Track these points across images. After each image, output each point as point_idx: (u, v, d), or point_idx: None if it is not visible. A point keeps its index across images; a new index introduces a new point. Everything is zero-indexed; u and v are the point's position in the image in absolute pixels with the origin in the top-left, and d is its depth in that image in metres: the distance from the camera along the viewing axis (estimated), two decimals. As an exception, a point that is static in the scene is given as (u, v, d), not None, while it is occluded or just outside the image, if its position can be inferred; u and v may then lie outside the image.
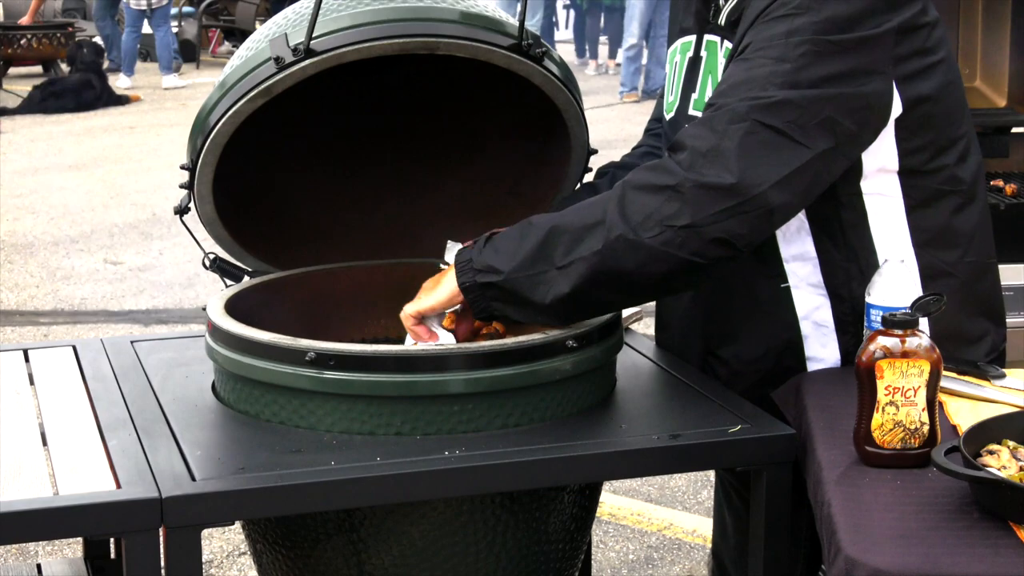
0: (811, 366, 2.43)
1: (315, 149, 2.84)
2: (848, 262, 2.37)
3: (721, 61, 2.41)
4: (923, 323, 2.34)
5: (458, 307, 2.34)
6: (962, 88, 2.44)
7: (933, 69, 2.33)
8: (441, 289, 2.31)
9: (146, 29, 16.24)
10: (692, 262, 2.20)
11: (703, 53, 2.46)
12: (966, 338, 2.43)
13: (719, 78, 2.39)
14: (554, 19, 17.78)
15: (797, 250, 2.39)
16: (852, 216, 2.36)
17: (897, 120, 2.31)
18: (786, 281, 2.40)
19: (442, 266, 2.50)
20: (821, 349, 2.41)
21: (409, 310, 2.34)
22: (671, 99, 2.56)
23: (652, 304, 2.67)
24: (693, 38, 2.50)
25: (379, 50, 2.40)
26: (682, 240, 2.18)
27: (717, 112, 2.23)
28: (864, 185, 2.35)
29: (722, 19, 2.41)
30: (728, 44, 2.39)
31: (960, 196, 2.40)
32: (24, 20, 16.42)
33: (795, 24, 2.23)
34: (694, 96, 2.47)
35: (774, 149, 2.19)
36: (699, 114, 2.43)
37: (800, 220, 2.37)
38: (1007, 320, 2.56)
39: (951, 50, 2.41)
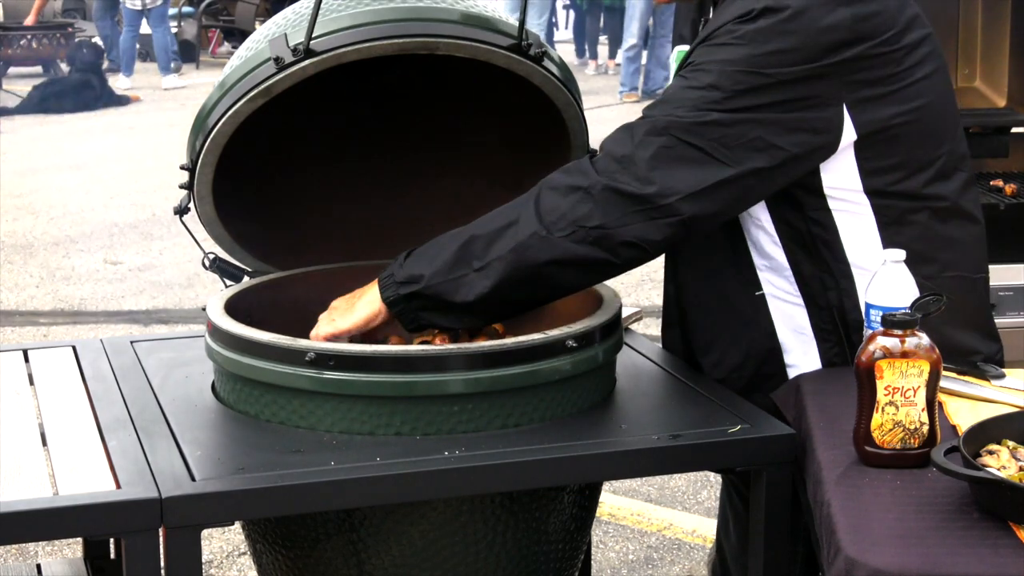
0: (792, 373, 2.43)
1: (315, 149, 2.84)
2: (822, 273, 2.38)
3: None
4: None
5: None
6: (947, 105, 2.42)
7: (905, 91, 2.33)
8: (359, 309, 2.35)
9: (146, 29, 16.23)
10: (606, 260, 2.27)
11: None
12: (958, 351, 2.41)
13: None
14: (554, 19, 17.77)
15: (770, 261, 2.41)
16: (822, 231, 2.37)
17: (856, 143, 2.31)
18: (761, 289, 2.42)
19: None
20: (802, 357, 2.42)
21: (322, 332, 2.36)
22: None
23: (651, 304, 2.67)
24: (687, 47, 2.51)
25: (379, 50, 2.40)
26: (594, 239, 2.24)
27: (640, 120, 2.29)
28: (831, 201, 2.36)
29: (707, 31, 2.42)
30: None
31: (939, 213, 2.39)
32: (28, 20, 16.40)
33: (735, 54, 2.26)
34: None
35: (689, 163, 2.24)
36: None
37: (769, 234, 2.39)
38: (1008, 319, 2.54)
39: (941, 66, 2.40)
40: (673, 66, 2.57)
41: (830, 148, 2.31)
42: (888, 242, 2.36)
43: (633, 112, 2.87)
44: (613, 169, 2.24)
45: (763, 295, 2.42)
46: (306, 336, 2.27)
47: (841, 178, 2.33)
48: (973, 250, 2.45)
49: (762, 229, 2.39)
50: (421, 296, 2.29)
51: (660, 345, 2.67)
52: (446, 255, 2.28)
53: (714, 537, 3.10)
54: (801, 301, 2.40)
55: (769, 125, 2.25)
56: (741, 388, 2.44)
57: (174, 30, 17.73)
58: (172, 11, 17.83)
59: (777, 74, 2.24)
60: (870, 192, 2.35)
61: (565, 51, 16.48)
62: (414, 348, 2.29)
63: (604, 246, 2.25)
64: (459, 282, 2.27)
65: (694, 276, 2.49)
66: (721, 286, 2.45)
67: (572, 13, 18.64)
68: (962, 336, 2.43)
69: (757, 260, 2.41)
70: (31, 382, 2.53)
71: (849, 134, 2.30)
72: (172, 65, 16.12)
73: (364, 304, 2.35)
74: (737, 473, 2.61)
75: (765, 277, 2.42)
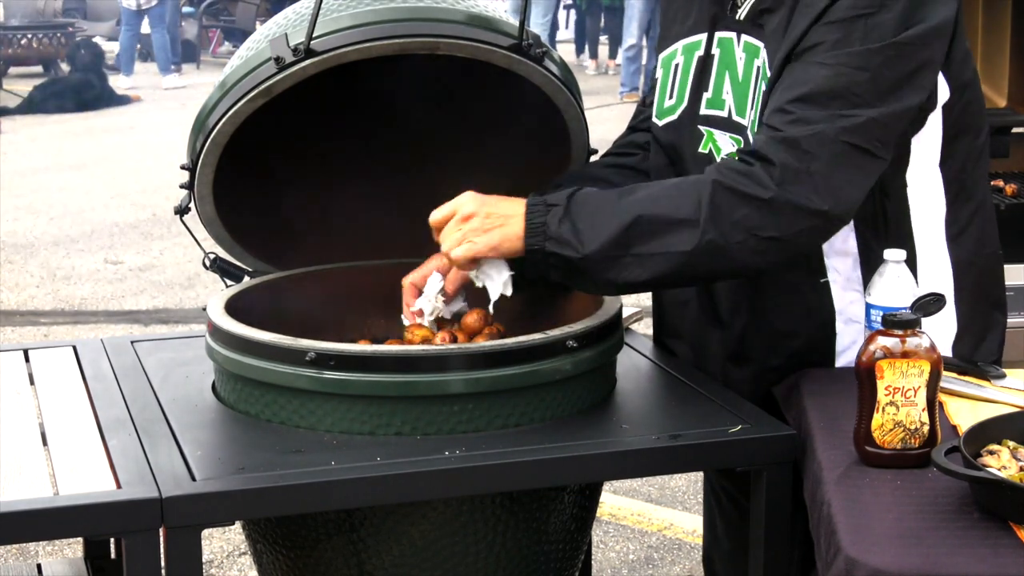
0: (839, 362, 2.42)
1: (315, 149, 2.83)
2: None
3: (740, 57, 2.39)
4: (948, 320, 2.34)
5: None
6: (979, 80, 2.46)
7: (965, 58, 2.36)
8: (495, 237, 2.25)
9: (147, 29, 16.24)
10: (767, 267, 2.27)
11: (715, 51, 2.44)
12: (983, 330, 2.44)
13: (739, 75, 2.38)
14: (555, 20, 17.80)
15: (840, 246, 2.38)
16: (896, 209, 2.37)
17: (944, 106, 2.33)
18: (825, 276, 2.40)
19: (415, 308, 2.45)
20: (851, 347, 2.40)
21: (478, 247, 2.26)
22: (671, 102, 2.53)
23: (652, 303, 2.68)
24: (701, 37, 2.47)
25: (379, 50, 2.39)
26: (765, 249, 2.21)
27: (804, 130, 2.21)
28: (909, 177, 2.36)
29: (742, 14, 2.40)
30: (748, 39, 2.37)
31: (984, 189, 2.43)
32: None
33: (871, 24, 2.22)
34: (706, 96, 2.45)
35: (859, 168, 2.23)
36: (713, 113, 2.43)
37: None
38: (1008, 320, 2.57)
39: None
40: (678, 60, 2.51)
41: (929, 110, 2.32)
42: (951, 220, 2.39)
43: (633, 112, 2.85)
44: (792, 182, 2.19)
45: (827, 282, 2.40)
46: (306, 336, 2.27)
47: (926, 147, 2.34)
48: (995, 225, 2.49)
49: None
50: (565, 260, 2.23)
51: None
52: (608, 231, 2.20)
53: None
54: (861, 287, 2.38)
55: (909, 112, 2.25)
56: (786, 376, 2.42)
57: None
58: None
59: (911, 38, 2.22)
60: (945, 158, 2.36)
61: (565, 51, 16.48)
62: (415, 348, 2.29)
63: (772, 257, 2.23)
64: (613, 263, 2.21)
65: None
66: (792, 272, 2.40)
67: (572, 13, 18.64)
68: (989, 314, 2.47)
69: (826, 246, 2.38)
70: (32, 382, 2.53)
71: (943, 94, 2.31)
72: (171, 65, 16.12)
73: (503, 234, 2.25)
74: (731, 476, 2.61)
75: (832, 264, 2.39)
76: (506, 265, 2.32)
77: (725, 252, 2.21)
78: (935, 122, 2.34)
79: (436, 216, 2.32)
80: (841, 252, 2.39)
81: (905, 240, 2.38)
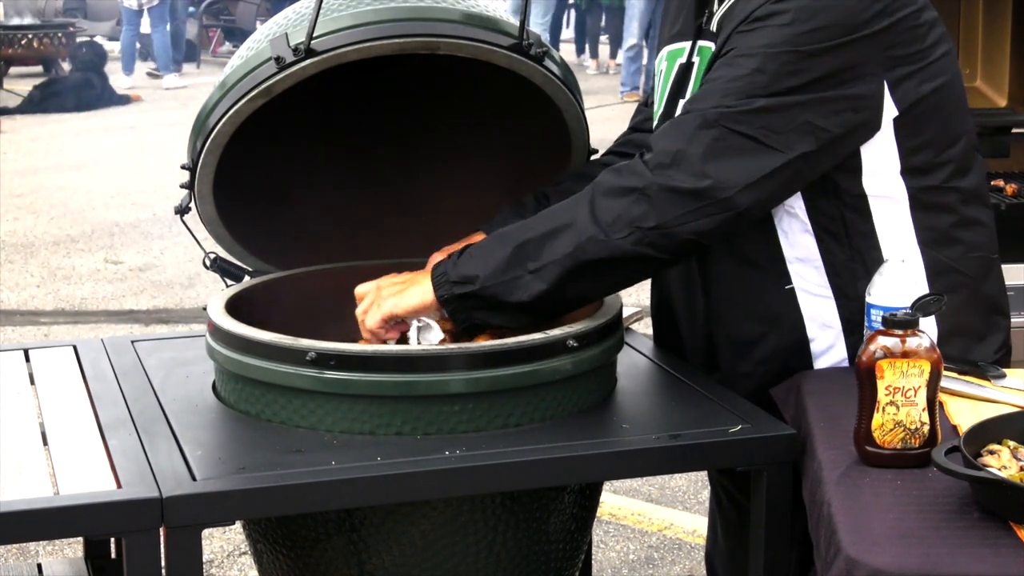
0: (818, 367, 2.42)
1: (316, 149, 2.84)
2: (853, 262, 2.37)
3: None
4: (929, 323, 2.34)
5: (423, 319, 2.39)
6: (962, 85, 2.44)
7: (931, 67, 2.34)
8: (411, 295, 2.35)
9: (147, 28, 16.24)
10: (663, 258, 2.28)
11: (695, 59, 2.46)
12: (977, 334, 2.44)
13: None
14: (559, 20, 17.82)
15: (801, 252, 2.39)
16: (856, 217, 2.36)
17: (896, 120, 2.32)
18: (791, 283, 2.40)
19: (412, 335, 2.48)
20: (829, 350, 2.41)
21: (374, 317, 2.36)
22: (656, 107, 2.56)
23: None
24: (686, 44, 2.49)
25: (379, 50, 2.40)
26: (651, 240, 2.24)
27: (687, 116, 2.28)
28: (867, 186, 2.35)
29: (714, 25, 2.41)
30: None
31: (964, 194, 2.41)
32: None
33: (777, 36, 2.25)
34: (682, 102, 2.46)
35: (744, 153, 2.24)
36: None
37: (802, 222, 2.37)
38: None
39: (952, 47, 2.42)
40: (663, 66, 2.54)
41: (873, 126, 2.31)
42: (920, 226, 2.37)
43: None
44: (666, 166, 2.23)
45: (793, 289, 2.41)
46: (307, 336, 2.27)
47: (881, 158, 2.33)
48: (991, 231, 2.48)
49: (796, 217, 2.37)
50: (476, 296, 2.29)
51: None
52: (500, 256, 2.28)
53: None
54: (831, 293, 2.39)
55: (814, 106, 2.25)
56: (765, 383, 2.43)
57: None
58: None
59: (820, 49, 2.24)
60: (906, 171, 2.36)
61: (565, 51, 16.48)
62: (415, 348, 2.29)
63: (662, 245, 2.25)
64: (515, 283, 2.27)
65: (721, 271, 2.46)
66: (751, 280, 2.42)
67: (573, 13, 18.64)
68: (983, 319, 2.45)
69: (787, 252, 2.39)
70: (32, 382, 2.53)
71: (890, 110, 2.31)
72: (171, 65, 16.11)
73: (417, 292, 2.34)
74: (732, 477, 2.61)
75: (795, 270, 2.40)
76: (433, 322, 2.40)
77: (611, 248, 2.24)
78: (886, 135, 2.33)
79: (358, 293, 2.42)
80: (803, 259, 2.39)
81: (872, 247, 2.37)
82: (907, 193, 2.37)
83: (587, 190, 2.30)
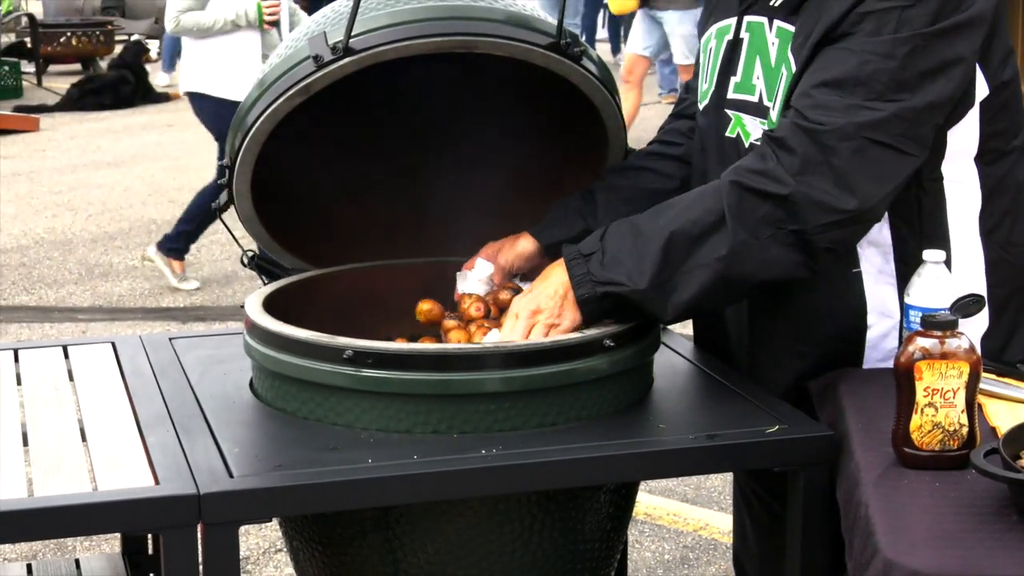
0: (869, 354, 2.40)
1: (354, 147, 2.84)
2: (919, 249, 2.34)
3: (773, 42, 2.37)
4: (976, 320, 2.33)
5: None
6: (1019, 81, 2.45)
7: (1011, 55, 2.35)
8: (568, 312, 2.30)
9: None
10: (805, 263, 2.25)
11: (744, 35, 2.43)
12: (1016, 323, 2.43)
13: (771, 61, 2.37)
14: (593, 21, 17.78)
15: (873, 236, 2.36)
16: (931, 202, 2.36)
17: (983, 102, 2.32)
18: (858, 266, 2.39)
19: (461, 290, 2.52)
20: (883, 339, 2.39)
21: (543, 324, 2.31)
22: (705, 86, 2.53)
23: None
24: (732, 21, 2.46)
25: (417, 49, 2.40)
26: (793, 242, 2.22)
27: (824, 119, 2.21)
28: (945, 170, 2.35)
29: (776, 0, 2.38)
30: (782, 25, 2.36)
31: (1018, 186, 2.42)
32: None
33: (904, 16, 2.22)
34: (734, 80, 2.44)
35: (883, 163, 2.23)
36: (742, 98, 2.42)
37: None
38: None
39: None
40: (712, 44, 2.49)
41: (967, 106, 2.31)
42: (985, 213, 2.38)
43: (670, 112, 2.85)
44: (810, 177, 2.21)
45: (859, 272, 2.39)
46: (344, 334, 2.27)
47: (963, 141, 2.33)
48: None
49: None
50: (620, 298, 2.27)
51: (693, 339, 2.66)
52: (649, 259, 2.25)
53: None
54: (895, 280, 2.37)
55: (938, 107, 2.25)
56: (815, 366, 2.42)
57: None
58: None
59: (943, 29, 2.22)
60: (980, 156, 2.36)
61: (601, 51, 16.43)
62: (451, 346, 2.29)
63: (801, 250, 2.23)
64: (663, 289, 2.25)
65: None
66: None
67: (608, 13, 18.61)
68: None
69: None
70: (71, 378, 2.55)
71: (981, 90, 2.31)
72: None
73: (569, 311, 2.30)
74: (764, 479, 2.59)
75: (865, 254, 2.38)
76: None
77: (758, 250, 2.22)
78: (973, 117, 2.33)
79: (504, 338, 2.34)
80: (874, 243, 2.37)
81: (940, 234, 2.37)
82: (978, 179, 2.36)
83: (727, 187, 2.25)
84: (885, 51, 2.21)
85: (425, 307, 2.50)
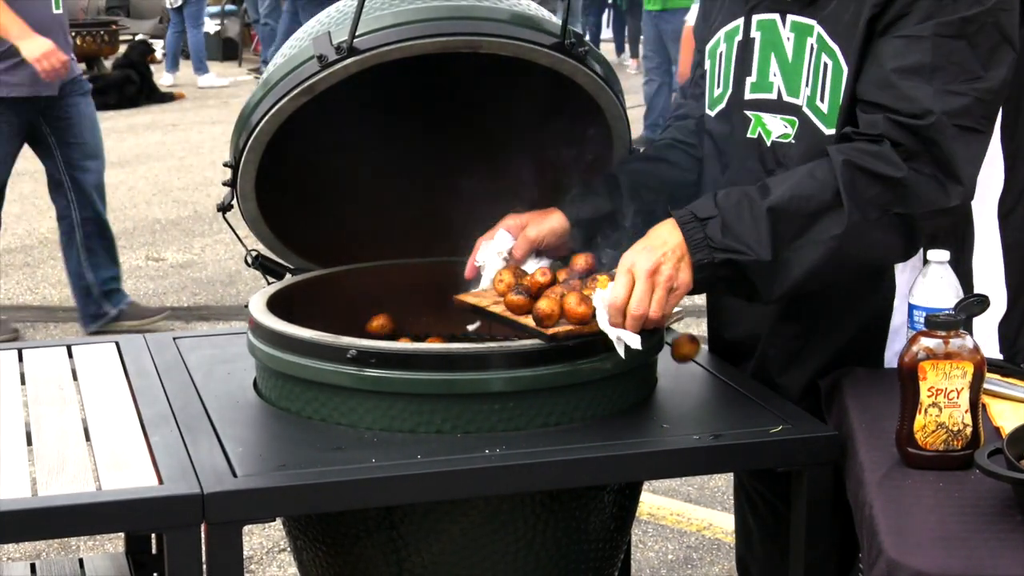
0: (891, 344, 2.40)
1: (358, 146, 2.84)
2: (948, 234, 2.35)
3: (788, 37, 2.36)
4: (993, 306, 2.32)
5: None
6: None
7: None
8: (685, 269, 2.22)
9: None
10: (900, 249, 2.27)
11: (755, 34, 2.42)
12: None
13: (788, 56, 2.36)
14: (598, 21, 17.81)
15: None
16: None
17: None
18: None
19: (478, 263, 2.49)
20: (903, 327, 2.38)
21: (669, 301, 2.23)
22: (719, 91, 2.51)
23: (691, 302, 2.66)
24: (739, 22, 2.45)
25: (421, 48, 2.40)
26: (897, 224, 2.22)
27: (917, 111, 2.21)
28: None
29: None
30: (797, 19, 2.35)
31: None
32: None
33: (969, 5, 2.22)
34: (750, 80, 2.43)
35: (973, 146, 2.24)
36: (760, 97, 2.41)
37: None
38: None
39: None
40: (722, 48, 2.48)
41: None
42: (1005, 193, 2.38)
43: (675, 111, 2.84)
44: (919, 164, 2.21)
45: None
46: (348, 334, 2.27)
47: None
48: None
49: None
50: (738, 265, 2.22)
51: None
52: (766, 231, 2.20)
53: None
54: (921, 264, 2.35)
55: (1005, 85, 2.25)
56: (836, 354, 2.42)
57: (216, 28, 17.78)
58: (215, 9, 17.89)
59: (1000, 5, 2.23)
60: (1005, 128, 2.36)
61: (606, 50, 16.45)
62: (455, 346, 2.29)
63: (907, 234, 2.24)
64: (777, 262, 2.21)
65: None
66: None
67: (612, 13, 18.62)
68: None
69: None
70: (75, 377, 2.55)
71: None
72: (206, 64, 16.15)
73: (686, 268, 2.22)
74: (767, 479, 2.59)
75: None
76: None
77: (868, 232, 2.22)
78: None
79: (619, 295, 2.22)
80: None
81: (966, 220, 2.37)
82: (1003, 158, 2.37)
83: (840, 166, 2.22)
84: (953, 31, 2.22)
85: (376, 323, 2.57)
